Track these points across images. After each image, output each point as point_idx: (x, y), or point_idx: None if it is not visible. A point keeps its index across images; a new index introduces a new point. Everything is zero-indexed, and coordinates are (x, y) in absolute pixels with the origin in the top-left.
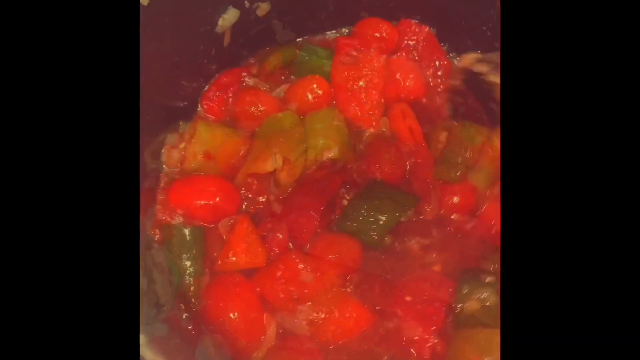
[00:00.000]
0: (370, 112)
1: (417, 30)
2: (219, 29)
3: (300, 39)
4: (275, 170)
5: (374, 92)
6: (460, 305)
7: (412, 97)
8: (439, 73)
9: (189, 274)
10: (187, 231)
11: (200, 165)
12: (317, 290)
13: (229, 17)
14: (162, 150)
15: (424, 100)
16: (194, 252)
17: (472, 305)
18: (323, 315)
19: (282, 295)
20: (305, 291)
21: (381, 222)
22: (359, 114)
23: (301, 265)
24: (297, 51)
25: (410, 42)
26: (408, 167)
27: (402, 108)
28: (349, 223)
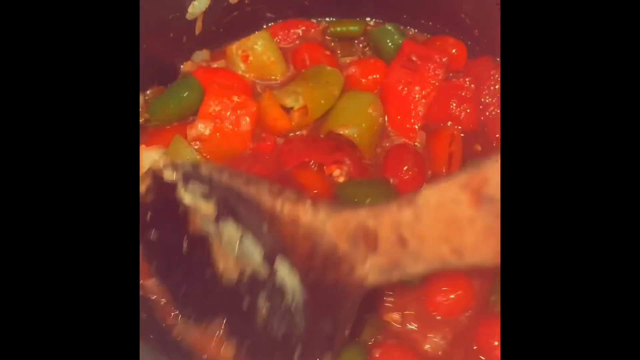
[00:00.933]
0: (411, 122)
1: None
2: (189, 16)
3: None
4: (292, 108)
5: (420, 107)
6: None
7: (461, 128)
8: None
9: None
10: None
11: (235, 63)
12: None
13: (199, 4)
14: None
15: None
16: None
17: None
18: None
19: None
20: None
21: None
22: (398, 119)
23: None
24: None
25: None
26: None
27: (454, 132)
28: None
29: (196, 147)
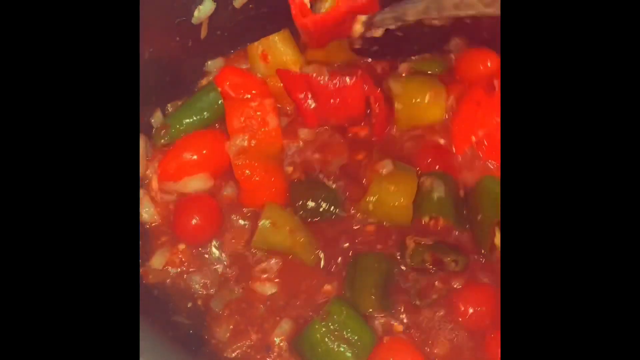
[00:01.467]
0: (464, 141)
1: None
2: (195, 20)
3: None
4: None
5: (480, 130)
6: None
7: None
8: None
9: None
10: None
11: (256, 62)
12: None
13: (204, 9)
14: None
15: None
16: None
17: None
18: None
19: None
20: None
21: None
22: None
23: None
24: None
25: None
26: None
27: None
28: None
29: (241, 162)
